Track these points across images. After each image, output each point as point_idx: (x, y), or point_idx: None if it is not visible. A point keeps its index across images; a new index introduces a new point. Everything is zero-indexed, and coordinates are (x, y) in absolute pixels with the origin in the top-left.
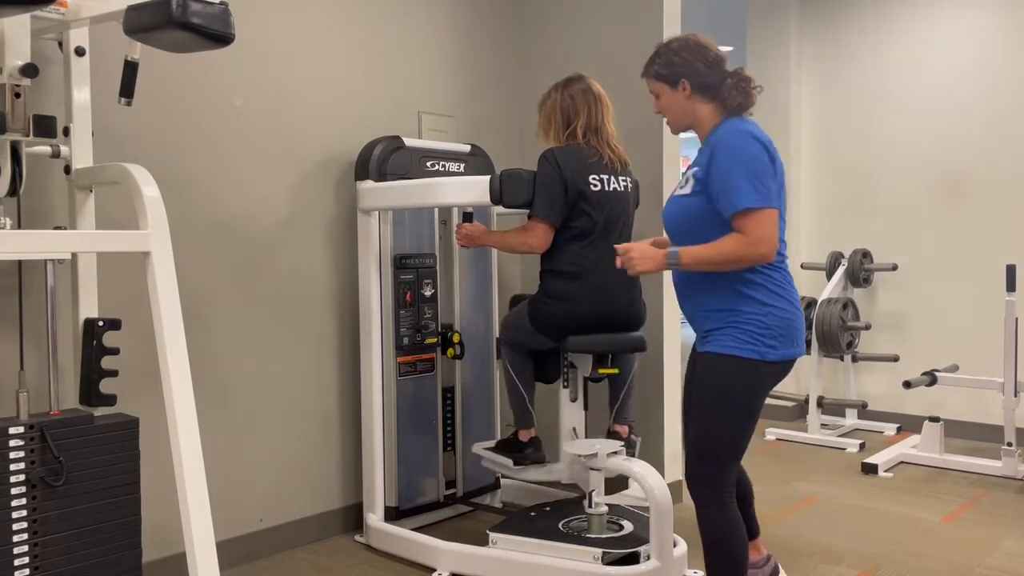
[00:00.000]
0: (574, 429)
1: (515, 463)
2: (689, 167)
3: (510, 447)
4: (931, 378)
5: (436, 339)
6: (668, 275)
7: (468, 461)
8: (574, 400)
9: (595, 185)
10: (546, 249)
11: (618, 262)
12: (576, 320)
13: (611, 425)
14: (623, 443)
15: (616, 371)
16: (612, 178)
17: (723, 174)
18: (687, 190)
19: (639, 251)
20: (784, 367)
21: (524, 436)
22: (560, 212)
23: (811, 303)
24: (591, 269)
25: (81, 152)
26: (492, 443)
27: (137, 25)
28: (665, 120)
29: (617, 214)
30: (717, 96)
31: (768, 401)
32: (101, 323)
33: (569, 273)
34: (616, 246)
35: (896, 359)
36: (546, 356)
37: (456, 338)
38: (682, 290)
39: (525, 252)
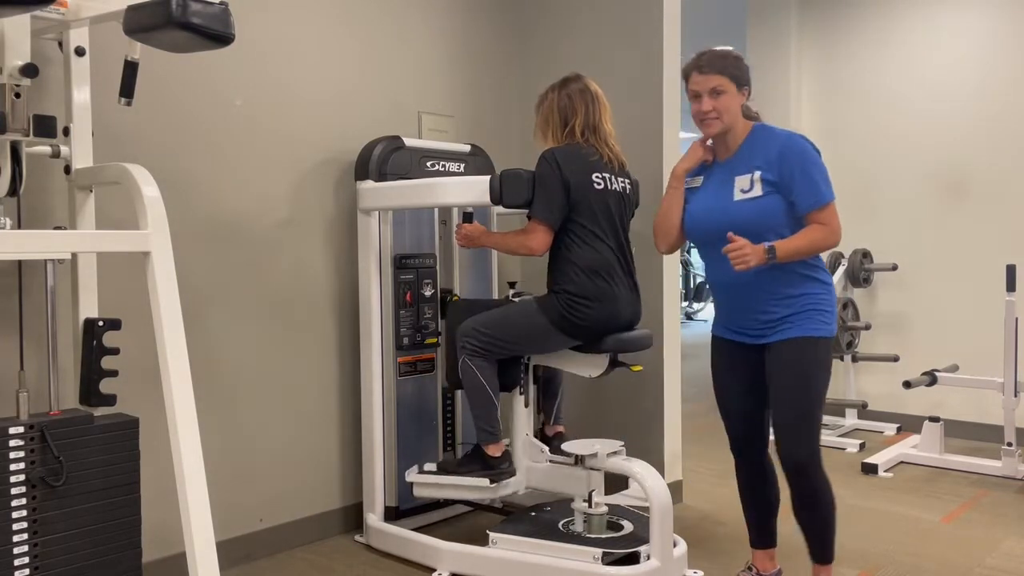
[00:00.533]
0: (527, 435)
1: (492, 481)
2: (720, 176)
3: (483, 465)
4: (931, 378)
5: (436, 339)
6: (667, 277)
7: None
8: (527, 406)
9: (599, 184)
10: (544, 251)
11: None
12: (614, 320)
13: (549, 426)
14: (559, 441)
15: (641, 367)
16: (612, 177)
17: (803, 174)
18: (757, 192)
19: (751, 248)
20: None
21: (495, 451)
22: (559, 214)
23: None
24: (614, 269)
25: (81, 152)
26: (431, 468)
27: (137, 25)
28: (711, 119)
29: (620, 214)
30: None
31: None
32: (101, 323)
33: (600, 273)
34: (731, 234)
35: (896, 359)
36: (507, 363)
37: (455, 299)
38: (748, 283)
39: (524, 254)
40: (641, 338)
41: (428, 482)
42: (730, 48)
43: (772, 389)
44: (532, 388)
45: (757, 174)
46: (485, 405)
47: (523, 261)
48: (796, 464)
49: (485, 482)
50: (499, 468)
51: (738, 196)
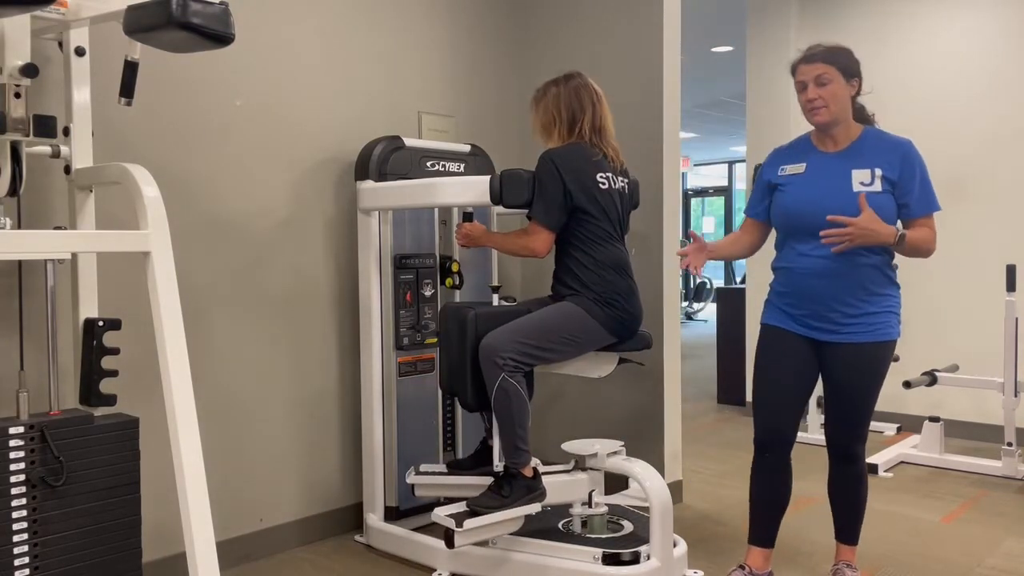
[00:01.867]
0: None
1: (540, 503)
2: (832, 166)
3: (527, 489)
4: (931, 378)
5: (436, 339)
6: (667, 277)
7: None
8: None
9: (603, 184)
10: (547, 253)
11: (841, 243)
12: (641, 316)
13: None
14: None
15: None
16: (614, 177)
17: (923, 181)
18: (877, 187)
19: (865, 224)
20: None
21: (530, 471)
22: (559, 217)
23: None
24: (630, 267)
25: (81, 152)
26: (456, 508)
27: (137, 25)
28: (820, 108)
29: (621, 211)
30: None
31: None
32: (101, 323)
33: (624, 270)
34: (831, 218)
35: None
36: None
37: (455, 267)
38: (841, 273)
39: (526, 256)
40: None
41: (480, 525)
42: (832, 43)
43: (840, 386)
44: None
45: (879, 171)
46: (525, 424)
47: (523, 262)
48: (853, 453)
49: (537, 507)
50: (539, 489)
51: (857, 187)
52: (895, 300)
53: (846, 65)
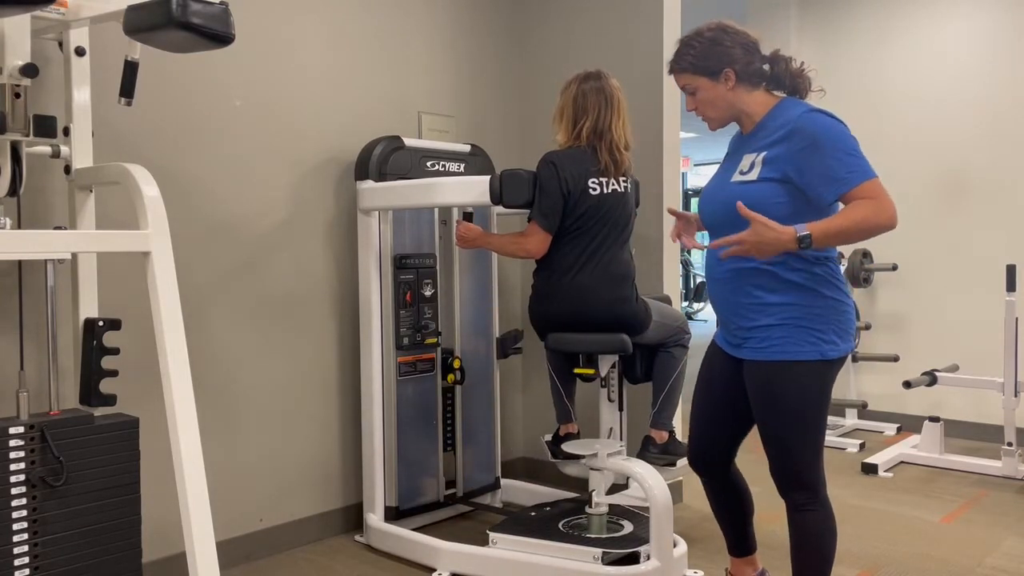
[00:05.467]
0: (611, 429)
1: (553, 456)
2: (736, 153)
3: (555, 440)
4: (931, 378)
5: (436, 339)
6: (668, 277)
7: (468, 461)
8: (612, 400)
9: (595, 189)
10: (542, 254)
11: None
12: (552, 318)
13: (649, 429)
14: (656, 449)
15: (592, 372)
16: (610, 180)
17: (832, 154)
18: (752, 176)
19: (754, 239)
20: (842, 363)
21: (563, 431)
22: (557, 220)
23: None
24: (571, 267)
25: (81, 152)
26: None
27: (137, 25)
28: (702, 117)
29: (615, 213)
30: (763, 82)
31: None
32: (101, 323)
33: (549, 271)
34: (740, 204)
35: (896, 359)
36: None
37: (456, 363)
38: (726, 281)
39: (522, 257)
40: (584, 340)
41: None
42: (703, 28)
43: (754, 411)
44: (618, 382)
45: (763, 154)
46: (552, 387)
47: (523, 263)
48: (786, 499)
49: (549, 455)
50: (560, 446)
51: (735, 178)
52: (805, 309)
53: (705, 65)
